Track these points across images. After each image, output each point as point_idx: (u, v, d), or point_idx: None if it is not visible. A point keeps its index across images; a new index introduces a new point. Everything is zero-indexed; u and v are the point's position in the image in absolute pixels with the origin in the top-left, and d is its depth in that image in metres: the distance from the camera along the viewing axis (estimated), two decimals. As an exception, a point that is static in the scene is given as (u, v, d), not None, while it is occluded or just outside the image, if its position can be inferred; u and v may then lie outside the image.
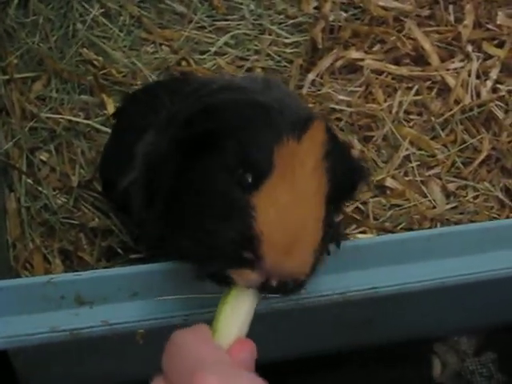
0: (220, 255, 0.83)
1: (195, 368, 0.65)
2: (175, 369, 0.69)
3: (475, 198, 1.57)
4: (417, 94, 1.70)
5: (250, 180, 0.83)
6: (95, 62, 1.70)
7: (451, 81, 1.70)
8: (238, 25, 1.81)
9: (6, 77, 1.67)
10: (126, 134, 1.31)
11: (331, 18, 1.79)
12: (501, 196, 1.57)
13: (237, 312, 0.82)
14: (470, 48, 1.75)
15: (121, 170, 1.22)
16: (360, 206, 1.52)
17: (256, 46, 1.77)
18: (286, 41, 1.79)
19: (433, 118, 1.65)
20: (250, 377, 0.66)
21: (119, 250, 1.43)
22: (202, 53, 1.76)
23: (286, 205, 0.81)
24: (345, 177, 0.90)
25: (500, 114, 1.66)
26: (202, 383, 0.63)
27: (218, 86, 1.02)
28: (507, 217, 1.54)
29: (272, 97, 0.94)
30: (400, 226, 1.50)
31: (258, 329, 0.83)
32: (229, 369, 0.68)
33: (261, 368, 0.75)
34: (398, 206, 1.54)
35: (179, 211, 0.90)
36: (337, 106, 1.65)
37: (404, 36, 1.76)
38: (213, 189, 0.85)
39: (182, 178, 0.91)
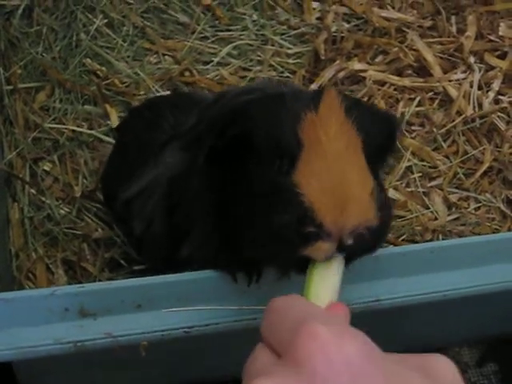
0: (288, 243, 0.84)
1: (301, 321, 0.61)
2: (278, 331, 0.65)
3: (477, 209, 1.58)
4: (419, 104, 1.71)
5: (287, 164, 0.85)
6: (98, 73, 1.71)
7: (453, 92, 1.71)
8: (241, 35, 1.81)
9: (10, 87, 1.67)
10: (130, 149, 1.32)
11: (334, 29, 1.80)
12: (503, 207, 1.57)
13: (325, 280, 0.82)
14: (472, 59, 1.76)
15: (123, 184, 1.23)
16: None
17: (259, 56, 1.78)
18: (289, 51, 1.79)
19: (435, 129, 1.66)
20: (355, 331, 0.62)
21: (122, 261, 1.44)
22: (205, 63, 1.76)
23: (324, 169, 0.83)
24: (377, 127, 0.91)
25: (502, 126, 1.67)
26: (312, 332, 0.59)
27: (236, 93, 1.04)
28: (509, 228, 1.54)
29: (286, 88, 1.00)
30: (402, 238, 1.50)
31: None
32: (336, 321, 0.66)
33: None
34: (400, 217, 1.54)
35: (234, 220, 0.91)
36: (339, 117, 1.65)
37: (406, 47, 1.76)
38: (260, 186, 0.87)
39: (227, 187, 0.93)
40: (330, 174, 0.82)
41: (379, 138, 0.91)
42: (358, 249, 0.84)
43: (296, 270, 0.89)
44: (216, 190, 0.95)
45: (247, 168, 0.90)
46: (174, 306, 1.03)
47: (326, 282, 0.82)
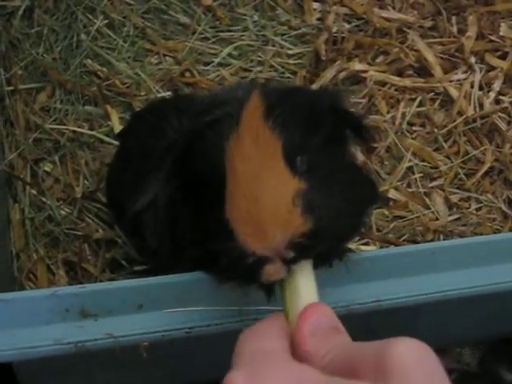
0: (241, 276, 0.86)
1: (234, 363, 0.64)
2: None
3: (478, 209, 1.58)
4: (420, 105, 1.71)
5: (219, 197, 0.85)
6: (99, 73, 1.71)
7: (454, 92, 1.71)
8: (242, 36, 1.82)
9: (11, 88, 1.68)
10: (134, 156, 1.31)
11: (334, 30, 1.80)
12: (504, 208, 1.57)
13: (295, 288, 0.82)
14: (473, 59, 1.76)
15: (129, 194, 1.22)
16: (363, 217, 1.52)
17: (259, 57, 1.78)
18: (290, 52, 1.79)
19: (436, 130, 1.66)
20: (280, 371, 0.63)
21: (123, 262, 1.44)
22: (206, 64, 1.77)
23: (240, 196, 0.82)
24: (305, 114, 0.89)
25: (503, 126, 1.67)
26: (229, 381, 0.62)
27: (199, 111, 1.01)
28: (510, 228, 1.54)
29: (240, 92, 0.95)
30: (403, 238, 1.50)
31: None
32: (273, 361, 0.67)
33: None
34: (401, 217, 1.54)
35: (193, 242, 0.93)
36: (340, 118, 1.65)
37: (407, 47, 1.76)
38: (205, 214, 0.88)
39: (187, 202, 0.94)
40: (246, 199, 0.82)
41: (310, 124, 0.89)
42: (306, 253, 0.83)
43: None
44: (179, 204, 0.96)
45: (196, 193, 0.91)
46: (175, 307, 1.03)
47: (296, 290, 0.82)
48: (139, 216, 1.17)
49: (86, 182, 1.55)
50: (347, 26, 1.83)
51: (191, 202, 0.92)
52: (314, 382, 0.60)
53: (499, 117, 1.68)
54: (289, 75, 1.75)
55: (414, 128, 1.68)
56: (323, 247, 0.84)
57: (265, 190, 0.82)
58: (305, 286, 0.83)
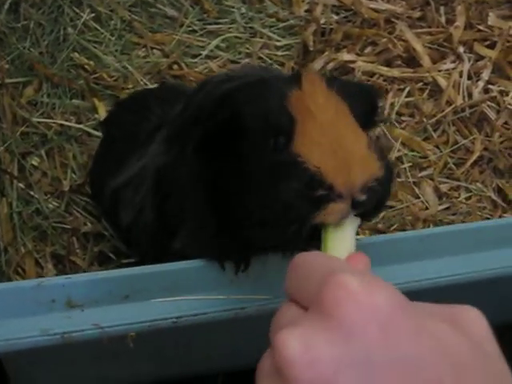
0: (300, 211, 0.84)
1: (328, 273, 0.59)
2: (304, 285, 0.63)
3: (468, 198, 1.57)
4: (408, 95, 1.70)
5: (283, 141, 0.86)
6: (86, 67, 1.70)
7: (443, 82, 1.70)
8: (230, 28, 1.81)
9: (-3, 82, 1.67)
10: (117, 141, 1.32)
11: (322, 21, 1.79)
12: (493, 196, 1.57)
13: (340, 238, 0.83)
14: (461, 49, 1.76)
15: (110, 176, 1.22)
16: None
17: (247, 49, 1.77)
18: (278, 44, 1.79)
19: (425, 119, 1.66)
20: (384, 282, 0.62)
21: (111, 255, 1.43)
22: (194, 56, 1.76)
23: (321, 135, 0.84)
24: (358, 96, 0.93)
25: (492, 115, 1.66)
26: (340, 282, 0.57)
27: (220, 80, 1.04)
28: (500, 217, 1.54)
29: (266, 73, 1.04)
30: (393, 227, 1.50)
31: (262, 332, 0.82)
32: (363, 273, 0.63)
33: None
34: (391, 207, 1.53)
35: (235, 205, 0.91)
36: (329, 108, 1.65)
37: (395, 38, 1.76)
38: (259, 166, 0.87)
39: (220, 173, 0.92)
40: (328, 138, 0.84)
41: (361, 106, 0.92)
42: (370, 203, 0.84)
43: (304, 243, 0.87)
44: (207, 178, 0.95)
45: (239, 152, 0.90)
46: (161, 297, 1.02)
47: (342, 240, 0.83)
48: (117, 193, 1.17)
49: (73, 175, 1.54)
50: (335, 17, 1.83)
51: (232, 169, 0.91)
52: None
53: (488, 106, 1.68)
54: (277, 66, 1.74)
55: (403, 118, 1.68)
56: (382, 198, 0.88)
57: (345, 134, 0.85)
58: (351, 237, 0.84)
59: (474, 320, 0.60)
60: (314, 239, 0.84)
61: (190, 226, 1.03)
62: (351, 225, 0.85)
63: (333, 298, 0.57)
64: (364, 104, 0.94)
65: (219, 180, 0.93)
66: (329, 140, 0.84)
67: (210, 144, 0.92)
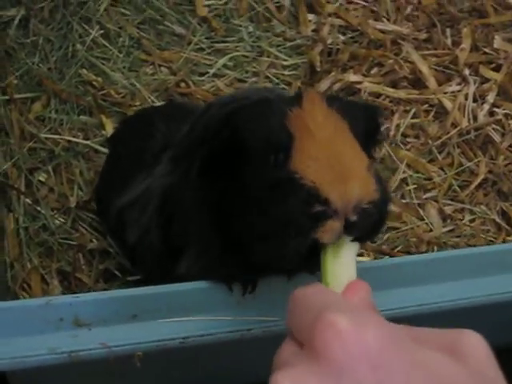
0: (298, 226, 0.85)
1: (320, 310, 0.60)
2: (299, 322, 0.64)
3: (472, 221, 1.58)
4: (414, 116, 1.71)
5: (282, 158, 0.87)
6: (94, 83, 1.71)
7: (448, 104, 1.71)
8: (237, 47, 1.82)
9: (6, 97, 1.67)
10: (123, 159, 1.33)
11: (329, 41, 1.80)
12: (497, 219, 1.57)
13: (340, 263, 0.83)
14: (467, 71, 1.77)
15: (116, 195, 1.23)
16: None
17: (254, 68, 1.78)
18: (285, 63, 1.80)
19: (430, 141, 1.66)
20: (376, 318, 0.61)
21: (116, 272, 1.44)
22: (201, 74, 1.77)
23: (319, 151, 0.85)
24: (359, 115, 0.93)
25: (497, 138, 1.67)
26: (329, 321, 0.58)
27: (224, 102, 1.07)
28: (504, 240, 1.54)
29: (269, 93, 1.06)
30: (397, 249, 1.50)
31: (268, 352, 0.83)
32: (356, 309, 0.64)
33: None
34: (395, 228, 1.54)
35: (237, 225, 0.92)
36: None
37: (401, 59, 1.77)
38: (259, 184, 0.89)
39: (223, 194, 0.94)
40: (326, 154, 0.85)
41: (363, 124, 0.93)
42: (363, 225, 0.85)
43: (304, 262, 0.89)
44: (212, 200, 0.96)
45: (242, 171, 0.91)
46: (169, 317, 1.03)
47: (341, 267, 0.83)
48: (122, 212, 1.18)
49: (80, 191, 1.55)
50: (342, 37, 1.84)
51: (236, 190, 0.92)
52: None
53: (493, 129, 1.69)
54: (284, 86, 1.75)
55: (408, 139, 1.69)
56: (376, 223, 0.88)
57: (343, 151, 0.86)
58: (351, 262, 0.84)
59: (474, 346, 0.60)
60: (313, 255, 0.85)
61: (194, 249, 1.04)
62: (350, 250, 0.86)
63: (322, 339, 0.58)
64: (366, 123, 0.95)
65: (223, 201, 0.94)
66: (326, 156, 0.85)
67: (214, 164, 0.94)
